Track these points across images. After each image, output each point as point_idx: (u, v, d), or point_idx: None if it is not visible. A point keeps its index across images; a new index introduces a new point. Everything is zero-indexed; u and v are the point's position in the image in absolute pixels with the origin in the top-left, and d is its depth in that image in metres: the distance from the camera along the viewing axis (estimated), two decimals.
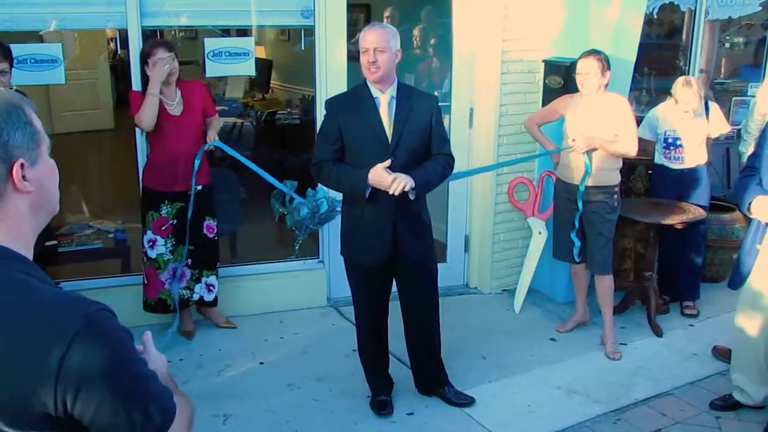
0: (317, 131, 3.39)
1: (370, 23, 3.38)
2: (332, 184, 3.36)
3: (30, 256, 1.22)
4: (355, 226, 3.36)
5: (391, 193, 3.10)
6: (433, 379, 3.68)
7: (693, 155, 4.59)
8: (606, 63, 3.94)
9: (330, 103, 3.36)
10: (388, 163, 3.12)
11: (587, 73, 3.92)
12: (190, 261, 4.11)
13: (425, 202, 3.44)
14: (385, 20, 5.73)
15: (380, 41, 3.15)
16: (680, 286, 4.79)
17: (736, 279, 3.55)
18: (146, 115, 3.82)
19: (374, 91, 3.26)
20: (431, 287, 3.53)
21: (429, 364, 3.65)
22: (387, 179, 3.09)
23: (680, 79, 4.54)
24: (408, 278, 3.45)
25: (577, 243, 4.14)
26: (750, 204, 3.34)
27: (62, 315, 1.11)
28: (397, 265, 3.39)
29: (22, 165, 1.17)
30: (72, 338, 1.08)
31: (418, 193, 3.20)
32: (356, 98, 3.30)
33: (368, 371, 3.63)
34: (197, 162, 3.91)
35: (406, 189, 3.11)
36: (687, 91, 4.42)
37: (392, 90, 3.27)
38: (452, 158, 3.40)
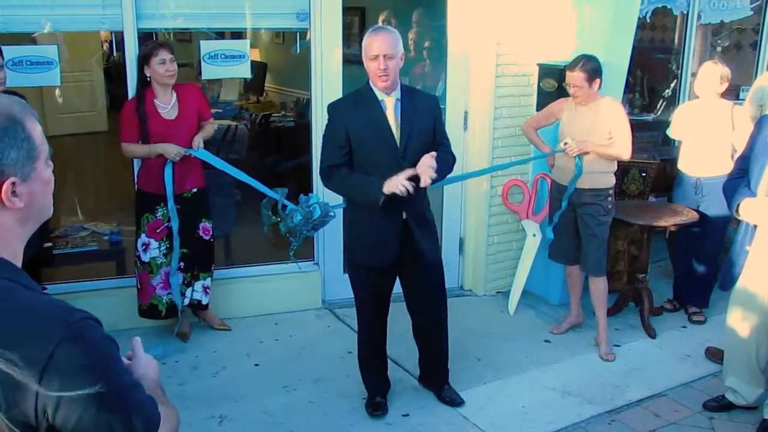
0: (322, 136, 3.32)
1: (373, 27, 3.27)
2: (343, 192, 3.32)
3: (18, 263, 1.19)
4: (362, 228, 3.33)
5: (405, 193, 3.05)
6: (439, 373, 3.69)
7: (712, 163, 4.38)
8: (592, 71, 3.91)
9: (333, 107, 3.29)
10: (409, 173, 3.07)
11: (574, 86, 3.94)
12: (182, 264, 4.09)
13: (427, 199, 3.44)
14: (380, 23, 5.74)
15: (389, 47, 3.10)
16: (690, 292, 4.73)
17: (727, 280, 3.57)
18: (132, 154, 3.99)
19: (379, 93, 3.22)
20: (440, 281, 3.54)
21: (438, 356, 3.66)
22: (404, 182, 3.04)
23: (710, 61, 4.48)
24: (417, 275, 3.43)
25: (550, 236, 4.24)
26: (738, 206, 3.36)
27: (45, 324, 1.09)
28: (404, 264, 3.37)
29: (13, 182, 1.15)
30: (54, 347, 1.06)
31: (432, 182, 3.14)
32: (361, 101, 3.24)
33: (367, 373, 3.62)
34: (168, 170, 3.85)
35: (433, 176, 3.07)
36: (702, 70, 4.38)
37: (397, 92, 3.25)
38: (454, 156, 3.40)
